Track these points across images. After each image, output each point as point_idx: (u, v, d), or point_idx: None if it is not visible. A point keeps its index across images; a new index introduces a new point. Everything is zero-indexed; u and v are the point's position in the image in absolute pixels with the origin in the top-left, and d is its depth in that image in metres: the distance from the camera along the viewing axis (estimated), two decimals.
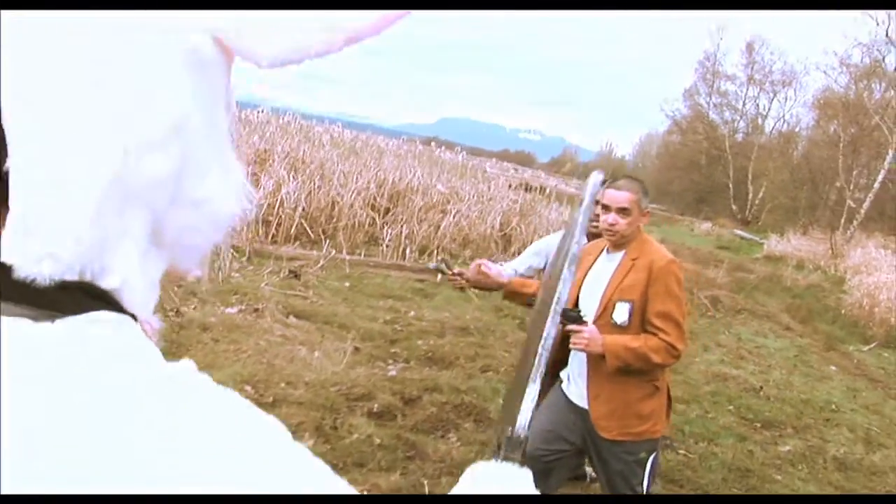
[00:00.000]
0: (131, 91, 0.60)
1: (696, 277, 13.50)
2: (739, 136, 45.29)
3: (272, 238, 10.28)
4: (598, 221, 4.25)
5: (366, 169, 14.45)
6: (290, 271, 8.59)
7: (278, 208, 10.62)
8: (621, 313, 3.33)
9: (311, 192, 11.61)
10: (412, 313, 8.18)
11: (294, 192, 10.95)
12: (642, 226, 3.56)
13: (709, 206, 41.13)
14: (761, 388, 7.64)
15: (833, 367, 9.49)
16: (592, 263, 3.48)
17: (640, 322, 3.36)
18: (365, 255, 10.46)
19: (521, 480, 0.94)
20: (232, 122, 0.73)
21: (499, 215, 14.47)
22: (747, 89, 45.41)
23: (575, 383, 3.51)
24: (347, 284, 8.99)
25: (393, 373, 6.10)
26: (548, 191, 24.57)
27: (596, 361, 3.39)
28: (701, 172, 44.30)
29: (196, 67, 0.64)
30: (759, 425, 6.54)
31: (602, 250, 3.49)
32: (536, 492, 0.92)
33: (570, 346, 3.28)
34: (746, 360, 8.99)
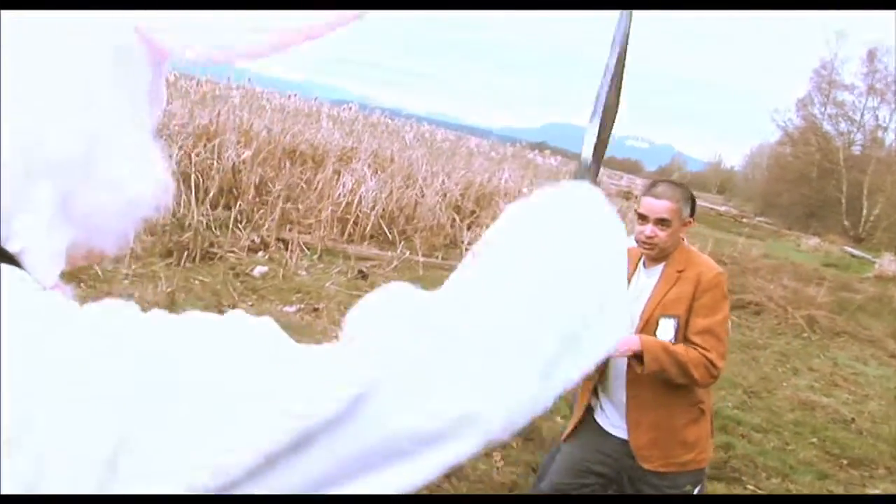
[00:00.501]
0: (42, 74, 0.65)
1: (793, 296, 12.72)
2: (856, 149, 43.21)
3: (348, 237, 10.14)
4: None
5: (454, 170, 14.27)
6: (359, 271, 8.42)
7: (356, 207, 10.48)
8: (666, 330, 2.98)
9: (392, 191, 11.43)
10: None
11: (372, 191, 10.78)
12: (684, 236, 3.24)
13: (818, 221, 39.25)
14: (853, 420, 7.02)
15: None
16: (631, 277, 3.13)
17: (685, 340, 3.01)
18: (442, 259, 10.21)
19: (594, 199, 0.81)
20: (157, 117, 0.80)
21: None
22: (867, 99, 43.30)
23: (609, 411, 3.17)
24: (419, 287, 8.73)
25: None
26: None
27: (635, 385, 3.05)
28: (811, 186, 42.33)
29: (119, 61, 0.69)
30: (845, 462, 5.96)
31: (638, 263, 3.13)
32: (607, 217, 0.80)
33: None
34: (840, 388, 8.32)
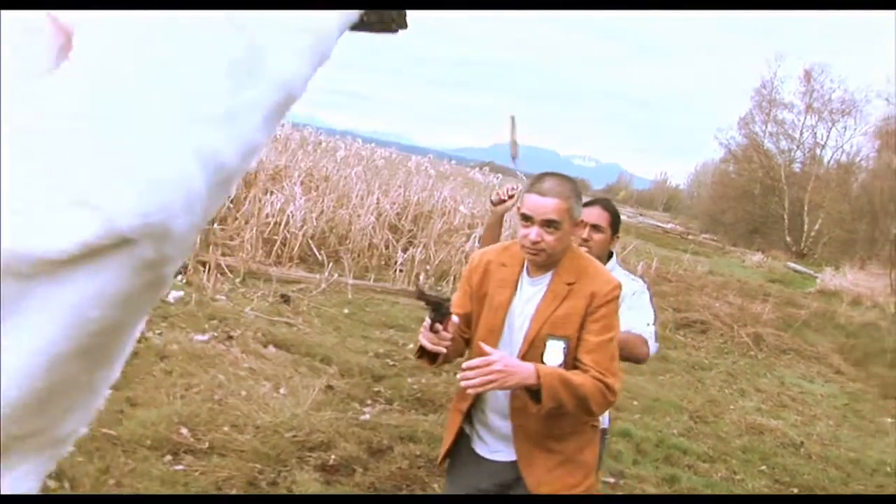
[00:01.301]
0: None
1: (739, 313, 12.46)
2: (797, 167, 43.69)
3: (275, 258, 9.58)
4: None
5: (391, 188, 13.81)
6: (282, 295, 7.87)
7: (284, 227, 9.93)
8: (554, 354, 2.54)
9: (322, 210, 10.91)
10: (411, 346, 7.38)
11: (302, 211, 10.24)
12: (574, 240, 2.84)
13: (762, 237, 39.50)
14: (802, 443, 6.68)
15: (889, 420, 8.42)
16: (515, 285, 2.66)
17: (573, 360, 2.57)
18: (374, 280, 9.70)
19: None
20: None
21: None
22: (805, 118, 43.82)
23: (489, 440, 2.73)
24: (346, 311, 8.22)
25: (366, 416, 5.30)
26: None
27: (520, 414, 2.60)
28: (755, 203, 42.62)
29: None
30: (795, 490, 5.59)
31: (521, 267, 2.67)
32: None
33: (470, 384, 2.39)
34: (788, 409, 8.02)
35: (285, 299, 7.82)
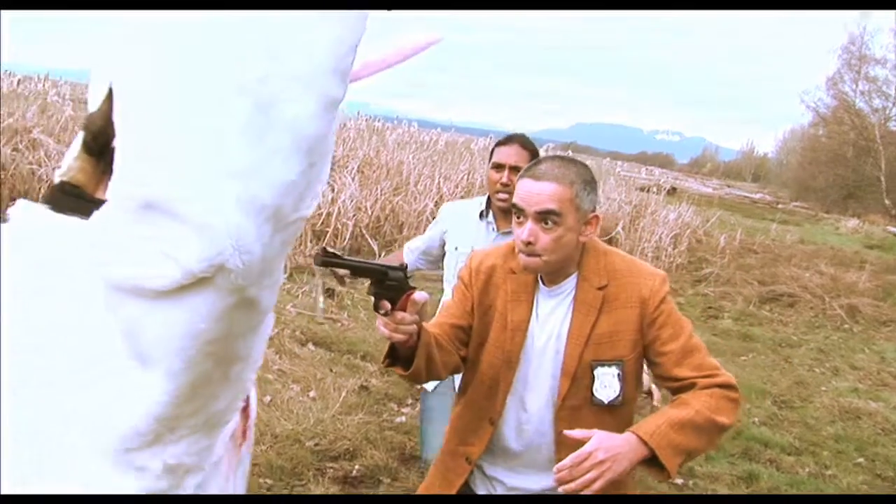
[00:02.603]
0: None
1: (831, 283, 11.51)
2: (892, 125, 41.36)
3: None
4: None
5: (454, 172, 13.33)
6: (326, 289, 7.45)
7: (336, 218, 9.52)
8: (608, 385, 1.96)
9: (377, 198, 10.46)
10: None
11: (353, 200, 9.82)
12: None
13: (857, 201, 37.47)
14: None
15: None
16: (532, 300, 2.07)
17: (634, 388, 1.98)
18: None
19: None
20: None
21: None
22: None
23: (505, 480, 2.13)
24: None
25: (402, 419, 4.80)
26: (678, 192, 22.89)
27: (564, 450, 2.01)
28: (848, 166, 40.48)
29: None
30: None
31: (535, 274, 2.07)
32: None
33: (571, 488, 1.74)
34: (890, 389, 7.13)
35: (329, 293, 7.40)
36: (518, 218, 1.97)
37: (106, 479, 0.82)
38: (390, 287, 1.74)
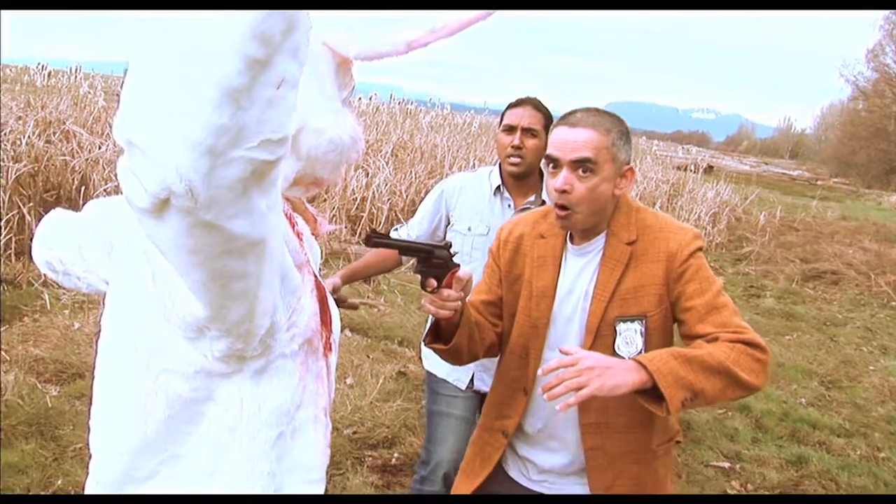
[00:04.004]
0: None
1: (876, 260, 11.23)
2: None
3: (359, 236, 9.12)
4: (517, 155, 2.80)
5: (489, 154, 13.23)
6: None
7: (370, 202, 9.46)
8: (630, 342, 1.86)
9: (412, 182, 10.39)
10: None
11: (388, 184, 9.75)
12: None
13: None
14: None
15: None
16: (559, 262, 1.99)
17: (687, 339, 1.86)
18: None
19: None
20: (348, 94, 1.37)
21: (638, 198, 12.78)
22: None
23: (532, 472, 2.06)
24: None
25: None
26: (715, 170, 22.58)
27: (594, 432, 1.94)
28: (890, 140, 39.63)
29: (311, 62, 1.06)
30: None
31: (564, 237, 2.00)
32: None
33: (556, 392, 1.63)
34: None
35: (366, 279, 7.33)
36: (552, 168, 1.89)
37: (188, 355, 1.18)
38: (436, 265, 1.75)
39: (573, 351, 1.68)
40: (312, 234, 1.46)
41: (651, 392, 1.66)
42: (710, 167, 25.83)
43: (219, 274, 1.03)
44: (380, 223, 9.31)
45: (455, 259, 1.79)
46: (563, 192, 1.85)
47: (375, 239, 1.62)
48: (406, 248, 1.87)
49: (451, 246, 1.77)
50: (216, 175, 0.89)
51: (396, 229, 3.07)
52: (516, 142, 2.75)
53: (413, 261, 1.79)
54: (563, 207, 1.88)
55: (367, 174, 10.05)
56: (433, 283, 1.74)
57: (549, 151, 1.90)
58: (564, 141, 1.86)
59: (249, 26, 0.85)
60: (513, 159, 2.76)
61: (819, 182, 34.77)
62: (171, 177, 0.88)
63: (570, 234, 1.99)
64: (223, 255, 1.00)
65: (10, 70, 15.58)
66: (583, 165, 1.84)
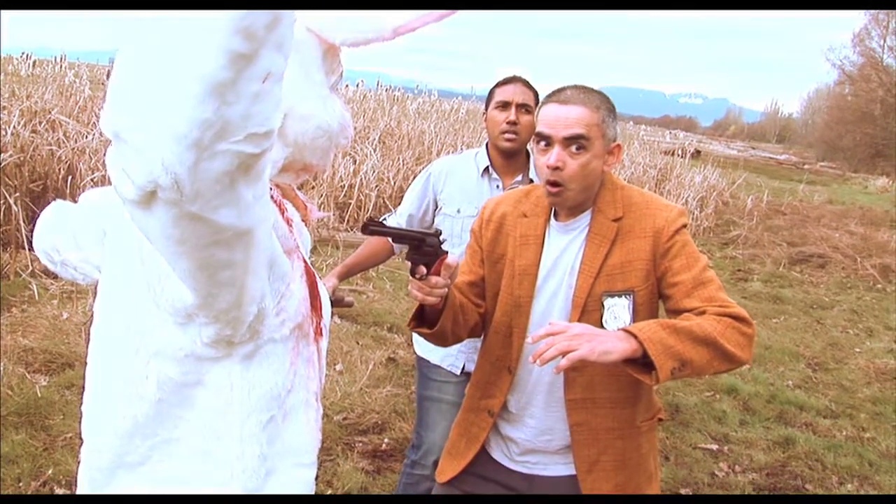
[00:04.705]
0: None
1: (862, 243, 11.31)
2: None
3: (351, 223, 9.12)
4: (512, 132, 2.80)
5: (477, 140, 13.21)
6: None
7: (358, 189, 9.45)
8: (618, 317, 1.88)
9: (399, 169, 10.39)
10: None
11: (374, 170, 9.74)
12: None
13: (886, 160, 36.66)
14: None
15: None
16: (542, 240, 2.01)
17: (672, 314, 1.89)
18: None
19: None
20: (336, 79, 1.37)
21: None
22: None
23: (528, 454, 2.07)
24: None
25: None
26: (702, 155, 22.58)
27: (579, 407, 1.96)
28: (876, 124, 39.66)
29: (297, 48, 1.14)
30: None
31: (547, 215, 2.02)
32: None
33: (547, 356, 1.63)
34: None
35: None
36: (543, 145, 1.91)
37: (178, 340, 1.19)
38: (427, 253, 1.76)
39: (561, 324, 1.70)
40: (303, 220, 1.46)
41: (640, 361, 1.67)
42: (698, 152, 25.81)
43: (206, 263, 1.04)
44: (368, 210, 9.31)
45: (445, 242, 1.81)
46: (556, 168, 1.87)
47: (372, 227, 1.63)
48: (399, 236, 1.92)
49: (440, 233, 1.79)
50: (202, 168, 0.90)
51: (385, 218, 3.06)
52: (512, 117, 2.75)
53: (405, 249, 1.81)
54: (554, 184, 1.89)
55: (355, 161, 10.05)
56: (423, 270, 1.76)
57: (539, 129, 1.91)
58: (556, 118, 1.88)
59: (232, 21, 0.85)
60: (508, 135, 2.76)
61: (806, 166, 34.92)
62: (157, 170, 0.88)
63: (555, 212, 2.00)
64: (210, 245, 1.01)
65: None
66: (576, 142, 1.86)
